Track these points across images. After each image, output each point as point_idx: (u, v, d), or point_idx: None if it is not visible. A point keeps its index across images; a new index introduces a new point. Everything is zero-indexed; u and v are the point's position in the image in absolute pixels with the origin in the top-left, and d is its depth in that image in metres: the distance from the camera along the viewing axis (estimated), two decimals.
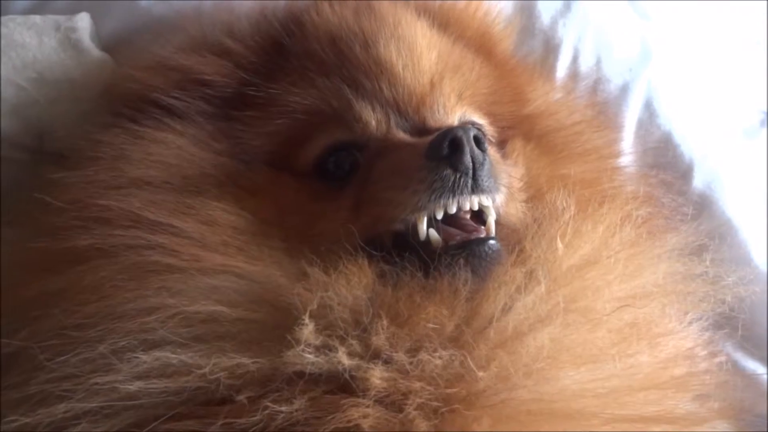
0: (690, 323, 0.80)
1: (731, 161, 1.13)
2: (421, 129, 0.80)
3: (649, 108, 1.11)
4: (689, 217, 1.05)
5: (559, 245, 0.72)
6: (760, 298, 1.02)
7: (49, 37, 0.90)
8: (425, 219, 0.72)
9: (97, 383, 0.62)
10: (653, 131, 1.10)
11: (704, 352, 0.83)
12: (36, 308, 0.69)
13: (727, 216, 1.07)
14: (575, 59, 1.11)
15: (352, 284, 0.67)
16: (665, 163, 1.08)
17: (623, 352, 0.68)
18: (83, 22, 0.94)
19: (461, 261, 0.69)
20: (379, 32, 0.84)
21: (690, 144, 1.10)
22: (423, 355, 0.63)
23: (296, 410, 0.60)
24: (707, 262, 0.83)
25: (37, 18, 0.93)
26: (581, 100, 1.07)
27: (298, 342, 0.62)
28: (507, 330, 0.65)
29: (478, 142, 0.72)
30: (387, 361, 0.63)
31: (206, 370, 0.62)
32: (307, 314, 0.63)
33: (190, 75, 0.83)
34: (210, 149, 0.80)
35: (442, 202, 0.71)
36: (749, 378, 1.00)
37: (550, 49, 1.11)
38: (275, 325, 0.65)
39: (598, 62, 1.12)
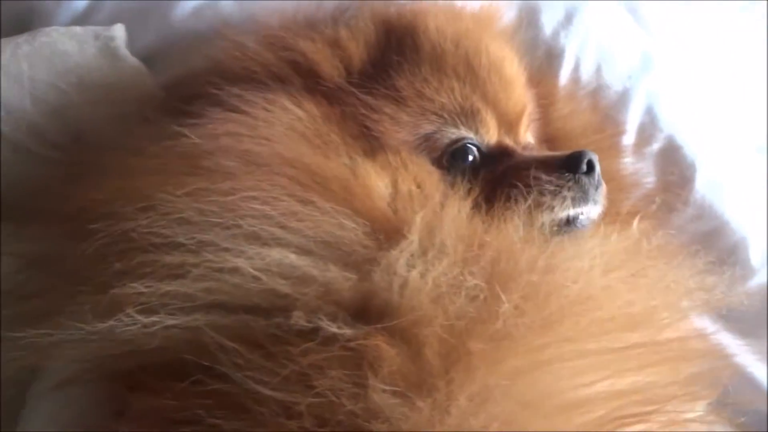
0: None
1: (734, 165, 1.16)
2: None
3: (650, 113, 1.14)
4: (689, 216, 1.10)
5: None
6: (756, 293, 1.06)
7: (89, 45, 0.97)
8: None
9: (219, 264, 0.65)
10: (656, 134, 1.14)
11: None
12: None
13: (725, 218, 1.10)
14: (576, 68, 1.15)
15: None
16: (669, 163, 1.12)
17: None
18: (120, 32, 1.01)
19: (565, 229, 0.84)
20: (506, 56, 0.95)
21: (692, 146, 1.13)
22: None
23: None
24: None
25: (78, 29, 1.00)
26: (584, 106, 1.13)
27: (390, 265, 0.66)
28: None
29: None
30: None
31: (320, 279, 0.65)
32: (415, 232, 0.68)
33: (300, 59, 0.89)
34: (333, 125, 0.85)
35: (580, 206, 0.85)
36: (747, 375, 1.02)
37: (553, 58, 1.15)
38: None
39: (599, 70, 1.16)
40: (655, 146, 1.14)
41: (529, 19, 1.18)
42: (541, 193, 0.85)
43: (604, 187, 0.89)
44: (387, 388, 0.60)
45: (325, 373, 0.60)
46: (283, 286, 0.65)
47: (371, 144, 0.85)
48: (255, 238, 0.67)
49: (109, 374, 0.73)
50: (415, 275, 0.65)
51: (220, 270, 0.66)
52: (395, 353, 0.62)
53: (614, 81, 1.16)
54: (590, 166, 0.87)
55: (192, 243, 0.67)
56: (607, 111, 1.14)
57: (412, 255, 0.67)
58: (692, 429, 0.70)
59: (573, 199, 0.85)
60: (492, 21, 1.02)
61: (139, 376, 0.69)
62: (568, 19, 1.19)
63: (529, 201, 0.81)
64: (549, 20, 1.19)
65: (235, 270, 0.65)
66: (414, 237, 0.69)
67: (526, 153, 0.93)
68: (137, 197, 0.70)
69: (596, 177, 0.87)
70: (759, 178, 1.18)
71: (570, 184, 0.85)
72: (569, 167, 0.87)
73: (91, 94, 0.96)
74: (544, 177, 0.86)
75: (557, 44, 1.17)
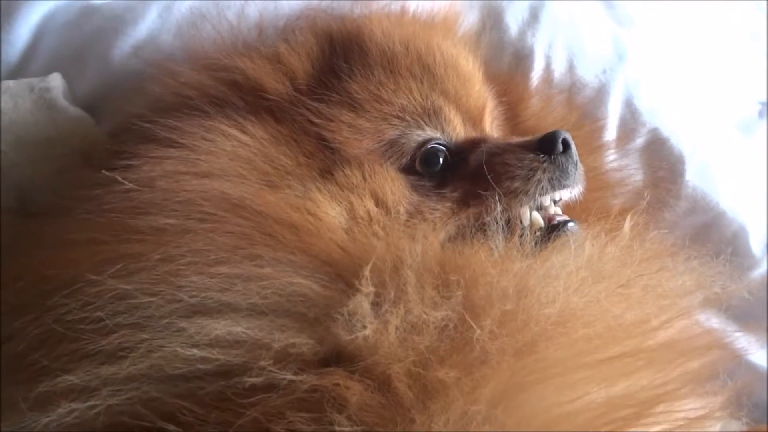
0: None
1: (724, 152, 1.11)
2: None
3: (630, 106, 1.10)
4: (682, 210, 1.05)
5: None
6: (759, 283, 1.02)
7: (23, 100, 0.90)
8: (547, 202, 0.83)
9: (159, 344, 0.60)
10: (638, 128, 1.09)
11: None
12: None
13: (721, 208, 1.05)
14: (548, 66, 1.10)
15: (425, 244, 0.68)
16: (656, 158, 1.07)
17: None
18: (56, 81, 0.94)
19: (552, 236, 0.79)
20: (459, 53, 0.92)
21: (678, 137, 1.08)
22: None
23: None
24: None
25: (10, 83, 0.93)
26: (560, 106, 1.08)
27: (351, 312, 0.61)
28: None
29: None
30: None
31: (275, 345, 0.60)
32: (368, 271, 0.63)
33: (240, 78, 0.84)
34: (291, 147, 0.80)
35: (561, 187, 0.83)
36: (755, 368, 0.99)
37: (522, 59, 1.10)
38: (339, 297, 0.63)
39: (571, 67, 1.11)
40: (640, 141, 1.09)
41: (492, 21, 1.13)
42: (512, 180, 0.81)
43: (582, 167, 0.86)
44: (356, 427, 0.57)
45: (285, 416, 0.57)
46: (234, 357, 0.60)
47: (328, 159, 0.80)
48: (198, 310, 0.62)
49: None
50: (377, 327, 0.61)
51: (162, 348, 0.60)
52: (362, 389, 0.59)
53: (589, 76, 1.11)
54: (566, 145, 0.84)
55: (128, 324, 0.61)
56: (584, 107, 1.09)
57: (368, 307, 0.62)
58: (696, 425, 0.67)
59: (550, 180, 0.83)
60: (440, 23, 0.97)
61: None
62: (534, 17, 1.13)
63: (503, 204, 0.78)
64: (514, 20, 1.13)
65: (174, 352, 0.60)
66: (369, 289, 0.63)
67: (499, 140, 0.89)
68: (63, 280, 0.64)
69: (573, 155, 0.84)
70: (749, 162, 1.14)
71: (545, 165, 0.83)
72: (544, 148, 0.84)
73: (31, 152, 0.89)
74: (514, 162, 0.83)
75: (525, 44, 1.11)
